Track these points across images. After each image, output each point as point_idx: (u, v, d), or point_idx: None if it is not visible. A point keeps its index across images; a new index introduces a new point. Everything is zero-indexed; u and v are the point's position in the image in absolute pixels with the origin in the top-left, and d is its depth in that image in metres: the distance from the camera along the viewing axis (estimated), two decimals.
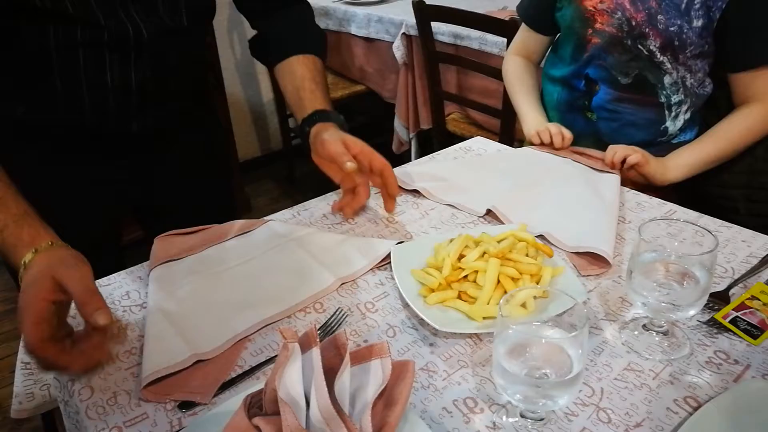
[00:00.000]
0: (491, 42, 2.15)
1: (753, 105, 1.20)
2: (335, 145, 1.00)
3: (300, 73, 1.14)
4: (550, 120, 1.43)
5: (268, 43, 1.21)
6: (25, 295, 0.69)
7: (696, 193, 1.31)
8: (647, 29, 1.19)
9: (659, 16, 1.18)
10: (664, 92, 1.25)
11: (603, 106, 1.31)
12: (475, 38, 2.21)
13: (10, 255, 0.76)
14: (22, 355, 0.89)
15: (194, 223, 1.02)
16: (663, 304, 0.71)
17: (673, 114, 1.27)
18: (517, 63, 1.48)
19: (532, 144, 1.29)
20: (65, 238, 0.79)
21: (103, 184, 1.11)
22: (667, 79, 1.23)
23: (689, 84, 1.25)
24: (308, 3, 1.26)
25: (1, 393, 1.93)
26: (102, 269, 0.94)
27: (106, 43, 0.95)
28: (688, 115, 1.29)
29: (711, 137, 1.22)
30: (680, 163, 1.21)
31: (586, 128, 1.34)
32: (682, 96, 1.26)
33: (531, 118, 1.38)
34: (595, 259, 0.91)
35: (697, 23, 1.16)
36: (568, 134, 1.26)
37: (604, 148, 1.21)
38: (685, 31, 1.16)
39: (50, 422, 1.20)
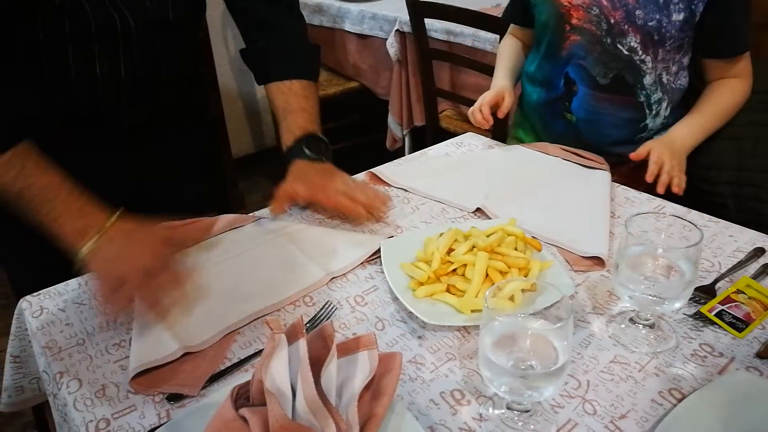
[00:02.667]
0: (484, 39, 2.15)
1: (735, 81, 1.25)
2: (283, 190, 1.04)
3: (278, 103, 1.13)
4: (529, 120, 1.44)
5: (256, 61, 1.19)
6: (139, 232, 0.82)
7: (686, 188, 1.32)
8: (626, 26, 1.20)
9: (637, 11, 1.18)
10: (644, 92, 1.25)
11: (582, 107, 1.31)
12: (468, 35, 2.21)
13: (73, 233, 0.82)
14: (11, 349, 0.89)
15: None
16: (649, 297, 0.72)
17: (654, 112, 1.28)
18: (508, 41, 1.52)
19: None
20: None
21: (94, 179, 1.10)
22: (646, 79, 1.24)
23: (665, 80, 1.25)
24: (302, 17, 1.24)
25: None
26: None
27: (94, 35, 0.95)
28: (668, 111, 1.29)
29: (709, 110, 1.25)
30: (687, 133, 1.23)
31: (566, 130, 1.34)
32: (661, 94, 1.26)
33: (497, 79, 1.41)
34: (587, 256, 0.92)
35: (678, 17, 1.16)
36: (506, 102, 1.30)
37: (585, 149, 1.22)
38: (665, 25, 1.17)
39: (41, 416, 1.20)
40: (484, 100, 1.30)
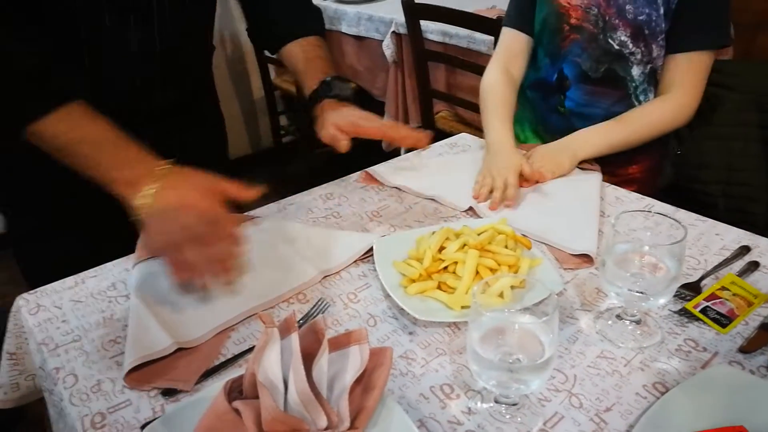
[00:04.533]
0: (479, 40, 2.17)
1: (668, 96, 1.22)
2: (326, 132, 1.03)
3: (296, 55, 1.16)
4: (525, 114, 1.44)
5: (265, 32, 1.22)
6: (193, 179, 0.83)
7: (676, 189, 1.34)
8: (617, 21, 1.21)
9: (627, 6, 1.20)
10: (633, 83, 1.27)
11: (574, 100, 1.32)
12: (463, 36, 2.22)
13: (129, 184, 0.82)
14: (7, 346, 0.90)
15: None
16: (635, 294, 0.73)
17: (642, 104, 1.28)
18: (495, 75, 1.37)
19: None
20: (82, 220, 0.90)
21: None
22: (634, 70, 1.25)
23: (656, 73, 1.26)
24: None
25: None
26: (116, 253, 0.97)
27: (130, 3, 0.95)
28: None
29: (621, 124, 1.22)
30: (589, 142, 1.20)
31: (561, 124, 1.35)
32: (648, 86, 1.27)
33: (496, 134, 1.25)
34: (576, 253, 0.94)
35: (662, 10, 1.18)
36: (511, 194, 1.09)
37: None
38: (654, 18, 1.18)
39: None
40: (509, 181, 1.10)
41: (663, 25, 1.19)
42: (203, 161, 1.21)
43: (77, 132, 0.85)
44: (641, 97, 1.27)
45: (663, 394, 0.68)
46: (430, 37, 2.31)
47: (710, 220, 1.02)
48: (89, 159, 0.85)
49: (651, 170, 1.35)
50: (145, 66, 1.03)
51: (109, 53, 0.98)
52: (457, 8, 2.07)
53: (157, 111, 1.09)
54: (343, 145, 1.01)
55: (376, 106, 2.75)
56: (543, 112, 1.39)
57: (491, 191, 1.10)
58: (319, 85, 1.09)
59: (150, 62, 1.03)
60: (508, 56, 1.38)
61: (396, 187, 1.16)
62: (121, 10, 0.95)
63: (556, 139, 1.31)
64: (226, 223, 0.82)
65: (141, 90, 1.05)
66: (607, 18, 1.22)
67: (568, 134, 1.31)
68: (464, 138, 1.39)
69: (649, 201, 1.09)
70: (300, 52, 1.16)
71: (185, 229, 0.78)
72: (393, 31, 2.45)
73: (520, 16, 1.37)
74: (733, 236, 0.97)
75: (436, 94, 2.34)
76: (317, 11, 1.26)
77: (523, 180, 1.13)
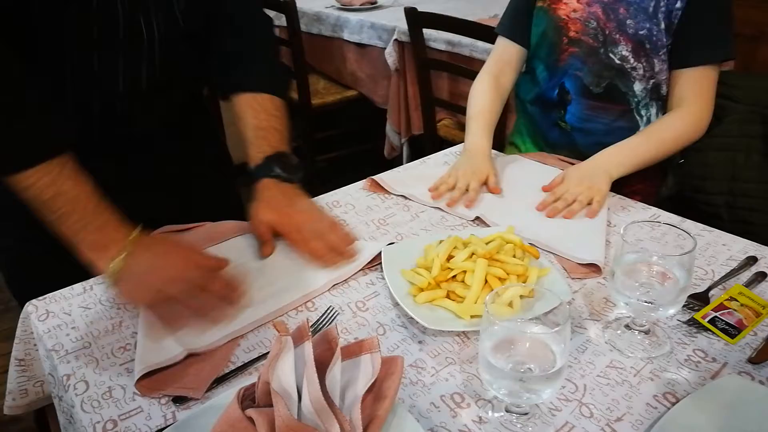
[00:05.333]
0: (482, 49, 2.18)
1: (683, 110, 1.21)
2: (257, 226, 0.99)
3: (247, 118, 1.07)
4: (526, 128, 1.44)
5: (222, 68, 1.11)
6: (179, 247, 0.85)
7: (680, 199, 1.34)
8: (618, 36, 1.22)
9: (628, 21, 1.20)
10: (635, 99, 1.27)
11: (576, 115, 1.33)
12: (466, 45, 2.23)
13: (95, 249, 0.81)
14: (16, 353, 0.90)
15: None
16: (644, 304, 0.74)
17: (645, 120, 1.29)
18: (483, 83, 1.38)
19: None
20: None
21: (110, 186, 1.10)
22: (636, 86, 1.26)
23: (659, 87, 1.27)
24: (271, 20, 1.17)
25: None
26: None
27: (120, 42, 0.94)
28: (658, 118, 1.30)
29: (646, 140, 1.21)
30: (620, 161, 1.18)
31: (562, 139, 1.36)
32: (650, 101, 1.28)
33: (472, 138, 1.27)
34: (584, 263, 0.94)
35: (663, 25, 1.19)
36: (470, 197, 1.13)
37: (582, 158, 1.22)
38: (655, 33, 1.19)
39: (43, 420, 1.21)
40: (471, 185, 1.15)
41: (664, 40, 1.20)
42: (203, 174, 1.22)
43: (57, 186, 0.82)
44: (643, 112, 1.28)
45: (673, 404, 0.69)
46: (433, 45, 2.32)
47: (716, 231, 1.02)
48: (62, 215, 0.82)
49: (651, 180, 1.36)
50: (131, 97, 1.01)
51: (96, 88, 0.98)
52: (459, 17, 2.09)
53: (145, 133, 1.08)
54: (267, 251, 0.97)
55: (378, 114, 2.76)
56: (544, 127, 1.40)
57: (450, 189, 1.15)
58: (263, 161, 1.02)
59: (138, 94, 1.01)
60: (499, 65, 1.40)
61: (402, 196, 1.17)
62: (112, 46, 0.94)
63: (558, 153, 1.31)
64: (212, 270, 0.84)
65: (128, 116, 1.04)
66: (607, 32, 1.23)
67: (569, 149, 1.32)
68: None
69: (654, 211, 1.10)
70: (251, 117, 1.06)
71: (173, 281, 0.80)
72: (395, 39, 2.46)
73: (514, 26, 1.38)
74: (740, 247, 0.98)
75: (438, 102, 2.35)
76: (285, 70, 1.17)
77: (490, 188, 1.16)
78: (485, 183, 1.17)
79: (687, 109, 1.21)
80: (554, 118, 1.36)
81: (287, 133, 1.08)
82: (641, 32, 1.20)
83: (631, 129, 1.30)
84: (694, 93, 1.21)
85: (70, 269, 0.91)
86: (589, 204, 1.08)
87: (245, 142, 1.07)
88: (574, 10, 1.26)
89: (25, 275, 1.09)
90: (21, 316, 0.89)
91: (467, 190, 1.15)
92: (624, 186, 1.22)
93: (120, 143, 1.06)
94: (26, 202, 0.82)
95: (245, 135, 1.07)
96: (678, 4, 1.17)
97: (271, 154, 1.03)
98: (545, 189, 1.14)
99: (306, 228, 0.97)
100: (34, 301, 0.89)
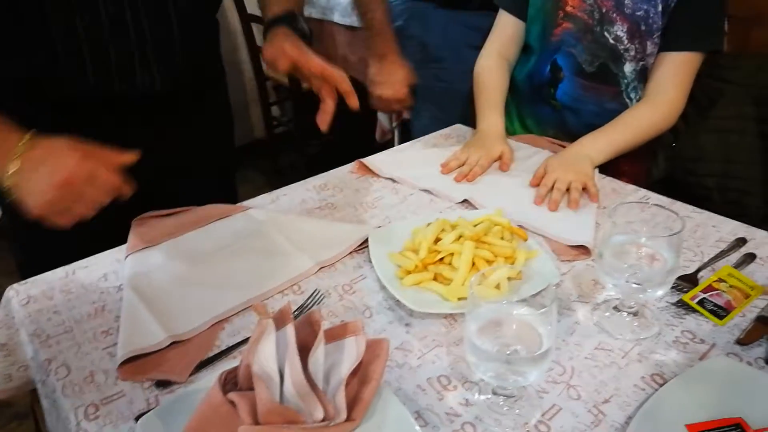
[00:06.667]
0: None
1: (659, 99, 1.20)
2: (273, 50, 1.00)
3: None
4: (515, 104, 1.42)
5: None
6: (57, 148, 0.78)
7: (671, 181, 1.34)
8: (615, 15, 1.20)
9: (626, 1, 1.19)
10: (625, 80, 1.26)
11: (567, 94, 1.31)
12: None
13: None
14: None
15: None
16: (632, 285, 0.73)
17: (634, 103, 1.28)
18: (489, 60, 1.38)
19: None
20: None
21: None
22: (626, 67, 1.24)
23: (647, 70, 1.25)
24: None
25: None
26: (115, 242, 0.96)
27: None
28: None
29: (623, 128, 1.20)
30: (600, 148, 1.18)
31: (552, 117, 1.34)
32: (638, 82, 1.26)
33: (486, 119, 1.29)
34: (573, 245, 0.93)
35: (660, 7, 1.17)
36: (475, 172, 1.16)
37: (570, 139, 1.22)
38: (651, 15, 1.17)
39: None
40: (480, 162, 1.17)
41: (660, 23, 1.18)
42: (208, 150, 1.20)
43: None
44: (632, 95, 1.27)
45: (661, 385, 0.68)
46: None
47: (706, 212, 1.02)
48: None
49: (640, 162, 1.35)
50: (121, 44, 0.98)
51: (81, 30, 0.94)
52: None
53: (145, 90, 1.04)
54: (281, 64, 0.98)
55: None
56: (534, 105, 1.39)
57: (461, 165, 1.17)
58: (286, 13, 1.05)
59: (126, 39, 0.98)
60: (502, 39, 1.39)
61: (391, 179, 1.15)
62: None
63: (546, 134, 1.30)
64: (103, 170, 0.79)
65: (120, 68, 1.00)
66: (604, 10, 1.22)
67: (558, 128, 1.31)
68: (459, 129, 1.39)
69: (644, 193, 1.09)
70: None
71: (63, 186, 0.76)
72: None
73: (515, 0, 1.36)
74: (730, 228, 0.97)
75: None
76: None
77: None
78: (498, 160, 1.19)
79: (663, 98, 1.20)
80: (544, 95, 1.34)
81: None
82: (638, 13, 1.19)
83: (620, 112, 1.28)
84: (673, 80, 1.19)
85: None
86: (584, 189, 1.07)
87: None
88: None
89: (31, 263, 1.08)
90: (2, 300, 0.87)
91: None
92: (610, 167, 1.21)
93: (125, 108, 1.04)
94: None
95: None
96: None
97: (290, 11, 1.06)
98: (533, 183, 1.12)
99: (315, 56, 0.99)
100: (15, 285, 0.87)
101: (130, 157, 0.81)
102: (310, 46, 1.02)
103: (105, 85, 0.99)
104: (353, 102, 0.99)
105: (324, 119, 0.98)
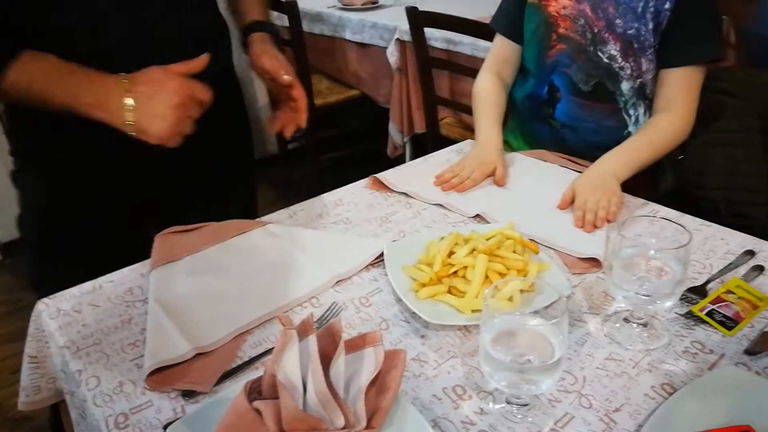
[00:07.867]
0: (483, 47, 2.19)
1: (674, 113, 1.22)
2: (271, 59, 1.07)
3: None
4: (518, 124, 1.45)
5: None
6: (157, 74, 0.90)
7: (679, 195, 1.36)
8: (607, 34, 1.23)
9: (617, 20, 1.21)
10: (622, 98, 1.28)
11: (565, 113, 1.34)
12: (467, 44, 2.25)
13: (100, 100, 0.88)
14: (29, 350, 0.92)
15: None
16: (642, 297, 0.75)
17: (633, 119, 1.30)
18: (486, 79, 1.42)
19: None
20: (90, 223, 0.92)
21: (126, 169, 1.09)
22: (624, 85, 1.27)
23: (645, 88, 1.27)
24: None
25: (1, 394, 1.96)
26: (126, 258, 0.99)
27: None
28: (647, 117, 1.31)
29: (647, 143, 1.21)
30: (624, 165, 1.18)
31: (551, 135, 1.37)
32: (638, 100, 1.28)
33: (484, 133, 1.32)
34: (584, 258, 0.95)
35: (651, 25, 1.20)
36: (499, 173, 1.21)
37: (570, 155, 1.25)
38: (643, 33, 1.20)
39: (56, 418, 1.23)
40: (474, 175, 1.20)
41: (651, 40, 1.21)
42: (227, 163, 1.24)
43: (31, 74, 0.88)
44: (631, 111, 1.29)
45: (671, 394, 0.70)
46: (434, 44, 2.33)
47: (715, 225, 1.03)
48: (51, 90, 0.87)
49: (642, 176, 1.36)
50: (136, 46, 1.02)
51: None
52: (460, 16, 2.10)
53: None
54: (286, 79, 1.05)
55: (380, 113, 2.78)
56: (534, 123, 1.41)
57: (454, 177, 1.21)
58: (264, 20, 1.15)
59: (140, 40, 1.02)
60: (498, 62, 1.44)
61: (404, 193, 1.18)
62: None
63: (548, 150, 1.32)
64: (197, 86, 0.92)
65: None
66: (596, 30, 1.25)
67: (558, 145, 1.33)
68: (470, 144, 1.41)
69: (653, 206, 1.11)
70: None
71: (179, 108, 0.88)
72: (397, 39, 2.47)
73: (510, 24, 1.40)
74: (738, 241, 0.99)
75: (440, 100, 2.36)
76: None
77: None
78: (492, 175, 1.21)
79: (677, 112, 1.22)
80: (543, 115, 1.37)
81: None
82: (629, 32, 1.21)
83: (620, 128, 1.31)
84: (682, 94, 1.22)
85: (89, 264, 0.96)
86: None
87: (240, 4, 1.20)
88: (564, 7, 1.28)
89: (47, 271, 1.12)
90: (33, 314, 0.91)
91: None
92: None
93: None
94: (27, 102, 0.89)
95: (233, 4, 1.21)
96: (666, 5, 1.18)
97: (266, 19, 1.17)
98: (561, 207, 1.11)
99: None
100: (45, 299, 0.91)
101: (202, 62, 0.94)
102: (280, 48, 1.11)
103: None
104: (302, 121, 1.08)
105: (302, 117, 1.07)
